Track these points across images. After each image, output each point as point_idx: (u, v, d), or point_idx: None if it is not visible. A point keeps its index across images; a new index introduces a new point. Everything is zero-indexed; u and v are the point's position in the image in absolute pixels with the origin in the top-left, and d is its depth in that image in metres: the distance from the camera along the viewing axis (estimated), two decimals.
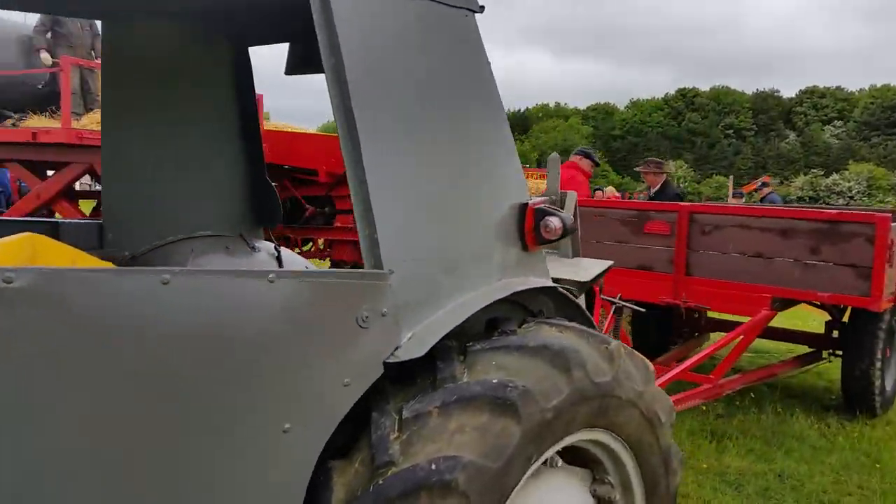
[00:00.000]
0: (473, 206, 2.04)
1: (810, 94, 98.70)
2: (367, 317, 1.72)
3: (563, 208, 3.23)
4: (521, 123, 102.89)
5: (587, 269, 3.03)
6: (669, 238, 4.97)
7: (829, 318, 5.83)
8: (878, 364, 5.29)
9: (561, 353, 1.84)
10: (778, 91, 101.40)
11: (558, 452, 2.07)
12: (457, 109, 2.04)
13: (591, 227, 5.40)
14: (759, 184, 13.49)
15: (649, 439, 2.18)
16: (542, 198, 2.29)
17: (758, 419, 5.40)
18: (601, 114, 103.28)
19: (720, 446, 4.88)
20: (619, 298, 4.63)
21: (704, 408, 5.56)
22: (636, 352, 2.18)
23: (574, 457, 2.16)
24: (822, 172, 78.83)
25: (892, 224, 4.27)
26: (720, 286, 4.79)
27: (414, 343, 1.79)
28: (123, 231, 2.83)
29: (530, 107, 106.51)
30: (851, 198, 71.96)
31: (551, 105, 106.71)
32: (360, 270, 1.78)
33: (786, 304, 4.69)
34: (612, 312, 4.48)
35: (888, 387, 5.70)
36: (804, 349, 6.29)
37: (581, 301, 3.15)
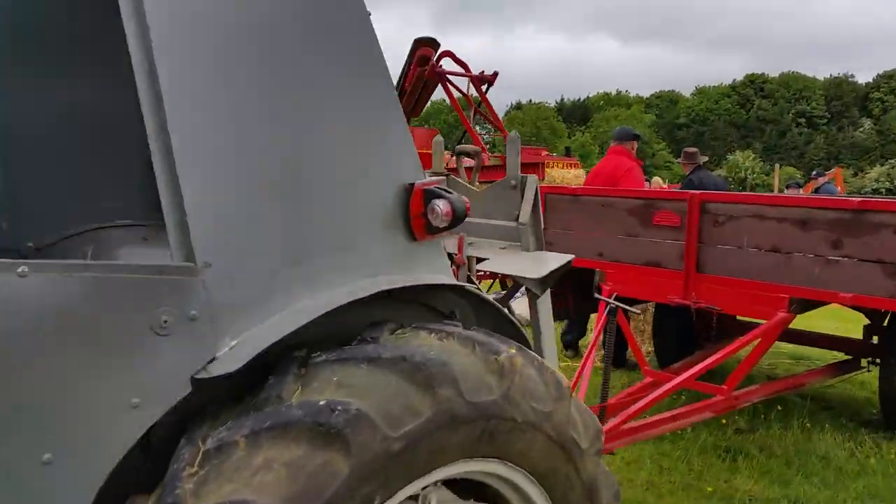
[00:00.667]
0: (332, 183, 1.65)
1: (888, 78, 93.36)
2: (166, 321, 1.39)
3: (522, 195, 2.84)
4: (582, 113, 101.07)
5: (544, 263, 2.63)
6: (680, 230, 4.47)
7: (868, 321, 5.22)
8: None
9: (422, 366, 1.46)
10: (853, 76, 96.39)
11: (462, 487, 1.73)
12: (312, 63, 1.64)
13: (596, 217, 4.95)
14: (815, 172, 12.56)
15: (565, 470, 1.78)
16: (437, 177, 1.87)
17: (782, 435, 4.85)
18: (665, 101, 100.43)
19: (733, 466, 4.39)
20: (614, 298, 4.18)
21: (724, 420, 5.05)
22: (549, 364, 1.79)
23: (482, 493, 1.80)
24: None
25: None
26: (733, 284, 4.27)
27: (234, 354, 1.45)
28: (23, 220, 2.57)
29: (591, 95, 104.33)
30: None
31: (612, 93, 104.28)
32: (159, 264, 1.44)
33: (806, 305, 4.14)
34: (604, 313, 4.03)
35: None
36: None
37: (544, 299, 2.77)
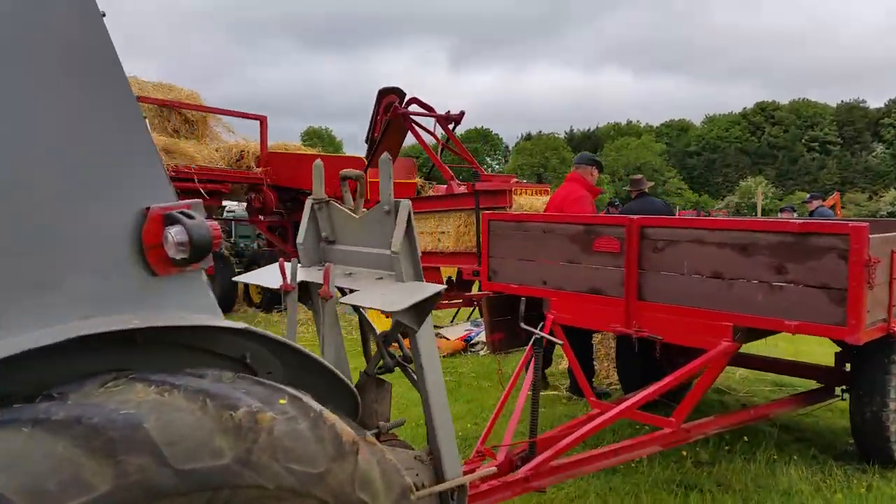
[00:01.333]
0: (30, 210, 1.36)
1: None
2: None
3: (396, 220, 2.65)
4: (592, 143, 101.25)
5: (411, 295, 2.42)
6: (619, 257, 4.25)
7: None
8: (894, 405, 4.38)
9: (102, 429, 1.22)
10: (864, 101, 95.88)
11: None
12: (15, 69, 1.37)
13: (539, 244, 4.75)
14: (809, 196, 12.27)
15: None
16: (187, 201, 1.59)
17: (744, 468, 4.55)
18: (675, 130, 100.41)
19: (685, 503, 4.10)
20: (540, 329, 3.96)
21: (685, 452, 4.77)
22: (332, 413, 1.57)
23: None
24: None
25: (872, 236, 3.44)
26: (675, 312, 4.03)
27: None
28: None
29: (601, 125, 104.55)
30: None
31: (623, 123, 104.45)
32: None
33: (750, 334, 3.89)
34: (530, 345, 3.81)
35: None
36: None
37: (423, 334, 2.56)
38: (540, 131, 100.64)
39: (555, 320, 4.68)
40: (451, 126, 9.07)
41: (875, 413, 4.41)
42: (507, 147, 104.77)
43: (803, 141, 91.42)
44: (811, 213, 11.67)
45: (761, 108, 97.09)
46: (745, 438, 4.99)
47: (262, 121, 10.72)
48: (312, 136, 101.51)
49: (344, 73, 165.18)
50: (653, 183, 7.94)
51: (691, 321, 3.98)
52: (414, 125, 8.84)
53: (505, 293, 5.02)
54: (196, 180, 9.48)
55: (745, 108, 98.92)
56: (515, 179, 8.60)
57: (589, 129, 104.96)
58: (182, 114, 11.05)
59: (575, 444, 3.69)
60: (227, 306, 10.71)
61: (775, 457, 4.71)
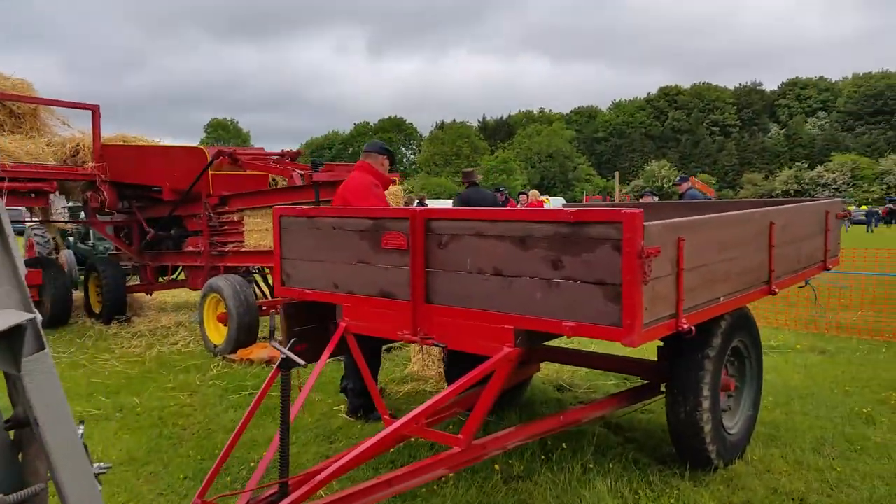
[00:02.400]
0: None
1: (793, 85, 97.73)
2: None
3: None
4: (506, 130, 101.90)
5: None
6: (406, 254, 3.76)
7: None
8: (707, 403, 4.09)
9: None
10: (761, 84, 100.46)
11: None
12: None
13: (330, 243, 4.20)
14: (679, 177, 12.24)
15: None
16: None
17: (555, 481, 4.17)
18: (584, 117, 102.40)
19: None
20: (290, 347, 3.42)
21: (497, 466, 4.35)
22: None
23: None
24: (807, 165, 77.72)
25: (648, 224, 3.06)
26: (459, 315, 3.58)
27: None
28: None
29: (513, 113, 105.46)
30: (837, 189, 70.82)
31: (535, 111, 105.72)
32: None
33: (533, 337, 3.47)
34: (276, 367, 3.25)
35: (734, 430, 4.48)
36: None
37: (35, 378, 1.96)
38: (454, 119, 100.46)
39: (348, 329, 4.16)
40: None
41: (689, 413, 4.11)
42: (421, 136, 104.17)
43: (705, 124, 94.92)
44: (681, 196, 11.63)
45: (665, 92, 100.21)
46: (564, 445, 4.62)
47: (95, 110, 9.72)
48: (217, 128, 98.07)
49: (260, 63, 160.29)
50: (481, 177, 7.88)
51: (475, 325, 3.52)
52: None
53: (299, 299, 4.45)
54: (5, 179, 8.46)
55: (649, 94, 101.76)
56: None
57: (501, 117, 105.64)
58: (6, 106, 9.95)
59: (335, 476, 3.17)
60: (61, 318, 9.71)
61: (591, 465, 4.35)
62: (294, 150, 9.94)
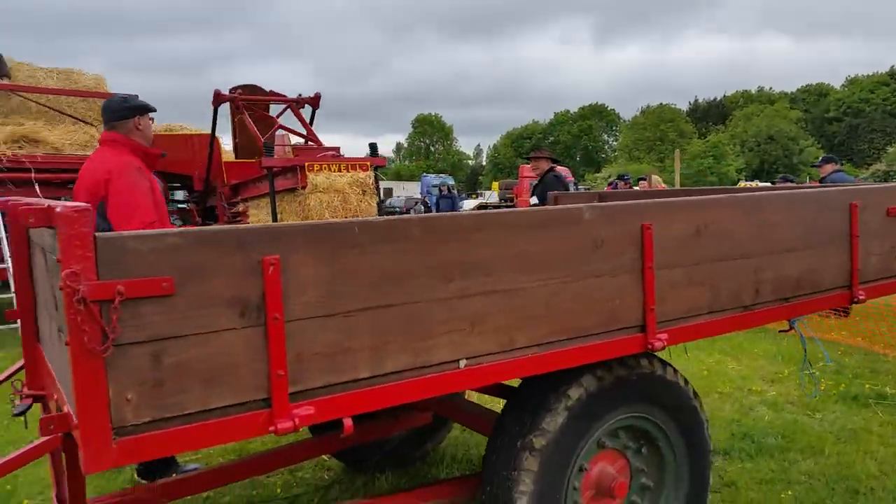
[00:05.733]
0: None
1: None
2: None
3: None
4: (718, 112, 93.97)
5: None
6: None
7: None
8: None
9: None
10: None
11: None
12: None
13: None
14: (821, 158, 9.38)
15: None
16: None
17: None
18: (813, 95, 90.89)
19: None
20: None
21: None
22: None
23: None
24: None
25: (106, 236, 1.58)
26: None
27: None
28: None
29: (728, 94, 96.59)
30: None
31: (753, 90, 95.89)
32: None
33: None
34: None
35: None
36: None
37: None
38: (660, 103, 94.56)
39: None
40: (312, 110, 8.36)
41: None
42: (625, 122, 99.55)
43: None
44: (821, 180, 8.95)
45: None
46: None
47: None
48: (423, 123, 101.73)
49: (485, 60, 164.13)
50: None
51: None
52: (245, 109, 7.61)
53: None
54: (33, 170, 8.50)
55: (893, 67, 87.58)
56: (334, 153, 6.84)
57: (715, 99, 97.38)
58: (87, 101, 10.18)
59: None
60: None
61: None
62: (311, 96, 8.46)
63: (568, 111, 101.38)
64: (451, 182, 33.86)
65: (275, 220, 6.18)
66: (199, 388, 1.70)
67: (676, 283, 2.55)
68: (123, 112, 3.56)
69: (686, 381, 2.86)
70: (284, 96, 8.03)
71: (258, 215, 7.54)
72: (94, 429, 1.57)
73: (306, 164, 6.14)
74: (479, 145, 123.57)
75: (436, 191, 23.34)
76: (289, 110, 8.01)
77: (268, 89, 8.25)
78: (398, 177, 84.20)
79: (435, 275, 2.03)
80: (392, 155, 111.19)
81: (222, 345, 1.72)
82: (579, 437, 2.56)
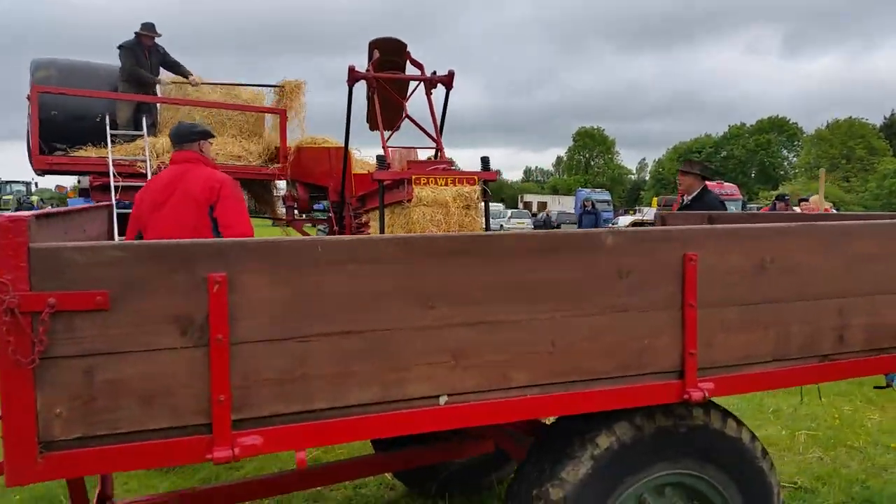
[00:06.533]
0: None
1: None
2: None
3: None
4: None
5: None
6: None
7: None
8: None
9: None
10: None
11: None
12: None
13: None
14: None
15: None
16: None
17: None
18: None
19: None
20: None
21: None
22: None
23: None
24: None
25: (46, 246, 1.54)
26: None
27: None
28: None
29: None
30: None
31: None
32: None
33: None
34: None
35: None
36: None
37: None
38: (849, 116, 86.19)
39: None
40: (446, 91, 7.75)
41: None
42: (808, 136, 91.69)
43: None
44: None
45: None
46: None
47: (281, 114, 10.12)
48: (583, 136, 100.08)
49: (659, 71, 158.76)
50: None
51: None
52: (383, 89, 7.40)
53: None
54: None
55: None
56: (445, 166, 6.69)
57: None
58: (245, 115, 10.95)
59: None
60: None
61: None
62: (444, 74, 7.86)
63: (744, 124, 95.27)
64: (602, 197, 32.75)
65: (382, 232, 6.23)
66: (135, 408, 1.64)
67: (730, 324, 2.16)
68: (192, 136, 4.09)
69: (753, 438, 2.43)
70: (421, 66, 7.77)
71: (376, 227, 7.64)
72: (18, 442, 1.55)
73: (413, 177, 6.13)
74: (643, 159, 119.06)
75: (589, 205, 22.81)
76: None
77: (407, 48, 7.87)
78: (555, 191, 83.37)
79: (412, 301, 1.84)
80: (551, 169, 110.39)
81: (161, 364, 1.65)
82: (607, 491, 2.25)
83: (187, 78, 10.16)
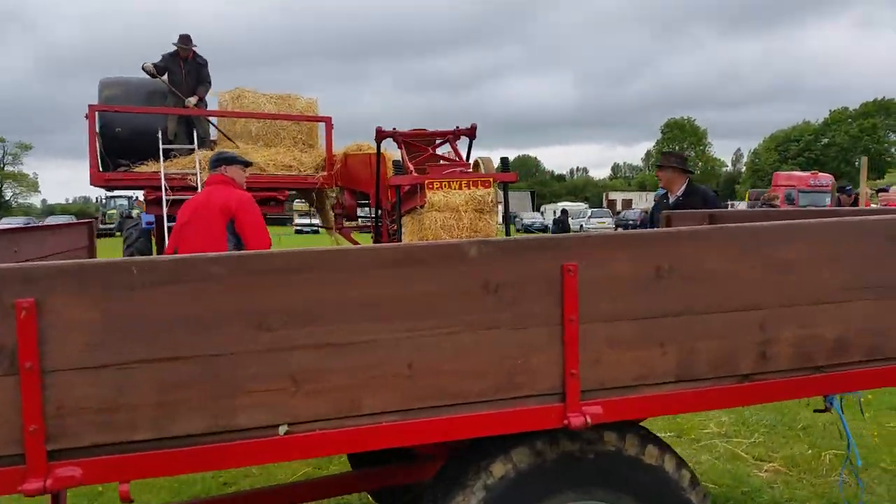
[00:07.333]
0: None
1: None
2: None
3: None
4: None
5: None
6: None
7: None
8: None
9: None
10: None
11: None
12: None
13: None
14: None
15: None
16: None
17: None
18: None
19: None
20: None
21: None
22: None
23: None
24: None
25: None
26: None
27: None
28: None
29: None
30: None
31: None
32: None
33: None
34: None
35: None
36: None
37: None
38: None
39: None
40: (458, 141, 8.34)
41: None
42: None
43: None
44: None
45: None
46: None
47: (327, 122, 10.25)
48: (673, 128, 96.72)
49: (761, 56, 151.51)
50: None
51: None
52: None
53: None
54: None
55: None
56: (461, 169, 6.51)
57: None
58: (299, 125, 11.18)
59: None
60: None
61: None
62: (467, 127, 8.40)
63: (847, 108, 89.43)
64: None
65: (399, 239, 6.19)
66: None
67: (621, 340, 1.94)
68: (217, 163, 4.90)
69: (680, 466, 2.18)
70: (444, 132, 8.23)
71: (406, 234, 7.63)
72: None
73: (426, 181, 6.04)
74: (738, 150, 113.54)
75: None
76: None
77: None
78: (642, 187, 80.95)
79: (244, 323, 1.75)
80: (640, 163, 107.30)
81: None
82: None
83: (194, 95, 10.34)
